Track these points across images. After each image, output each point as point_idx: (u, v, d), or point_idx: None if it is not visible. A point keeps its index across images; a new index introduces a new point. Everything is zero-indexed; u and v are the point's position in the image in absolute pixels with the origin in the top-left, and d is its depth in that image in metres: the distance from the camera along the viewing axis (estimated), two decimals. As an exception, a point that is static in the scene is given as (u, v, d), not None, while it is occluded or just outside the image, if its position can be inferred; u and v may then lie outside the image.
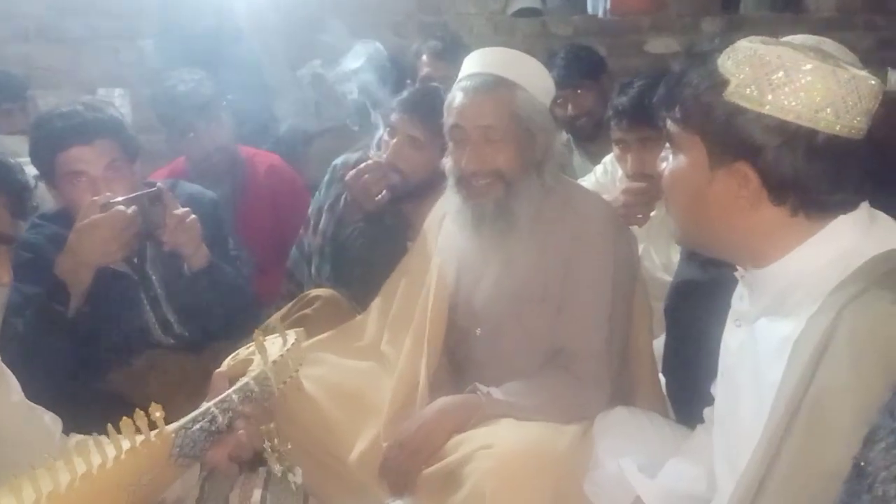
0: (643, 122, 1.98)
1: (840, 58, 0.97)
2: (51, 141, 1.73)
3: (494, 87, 1.59)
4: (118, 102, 3.36)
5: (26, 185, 1.37)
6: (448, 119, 1.63)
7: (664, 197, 1.08)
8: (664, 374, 1.70)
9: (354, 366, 1.79)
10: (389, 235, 1.95)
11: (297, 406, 1.62)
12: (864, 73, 0.96)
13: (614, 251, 1.61)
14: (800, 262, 0.96)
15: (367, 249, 1.95)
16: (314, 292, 1.96)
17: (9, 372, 1.37)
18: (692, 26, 3.80)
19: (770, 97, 0.92)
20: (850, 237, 0.95)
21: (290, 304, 1.97)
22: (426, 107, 1.92)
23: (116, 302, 1.77)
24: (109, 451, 1.13)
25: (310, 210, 2.23)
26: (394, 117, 1.98)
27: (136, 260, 1.85)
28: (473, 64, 1.65)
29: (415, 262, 1.83)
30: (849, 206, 0.96)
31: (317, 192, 2.25)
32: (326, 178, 2.22)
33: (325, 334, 1.83)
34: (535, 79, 1.63)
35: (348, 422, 1.68)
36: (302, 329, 1.52)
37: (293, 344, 1.42)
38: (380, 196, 1.94)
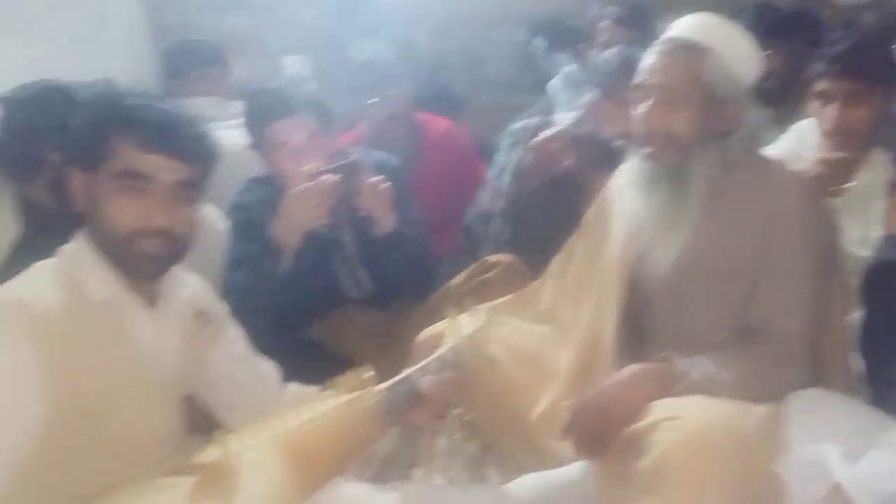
0: (856, 72, 1.85)
1: None
2: (260, 114, 1.89)
3: (682, 49, 1.57)
4: (298, 69, 3.58)
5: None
6: (635, 79, 1.63)
7: None
8: (858, 355, 1.62)
9: (532, 329, 1.85)
10: (570, 201, 1.97)
11: (479, 367, 1.70)
12: None
13: (816, 229, 1.55)
14: None
15: (547, 214, 1.99)
16: (494, 258, 2.05)
17: (233, 323, 1.54)
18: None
19: None
20: None
21: (471, 269, 2.07)
22: None
23: (316, 261, 1.92)
24: (328, 404, 1.27)
25: (491, 172, 2.27)
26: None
27: (331, 223, 1.99)
28: (672, 28, 1.65)
29: (594, 226, 1.84)
30: None
31: (496, 155, 2.29)
32: (507, 142, 2.26)
33: (504, 298, 1.90)
34: (734, 48, 1.58)
35: (528, 382, 1.74)
36: (492, 306, 1.59)
37: (485, 321, 1.51)
38: (565, 162, 1.96)
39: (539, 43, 3.07)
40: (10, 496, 1.12)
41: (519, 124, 2.26)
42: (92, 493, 1.21)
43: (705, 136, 1.57)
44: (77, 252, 1.27)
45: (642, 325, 1.74)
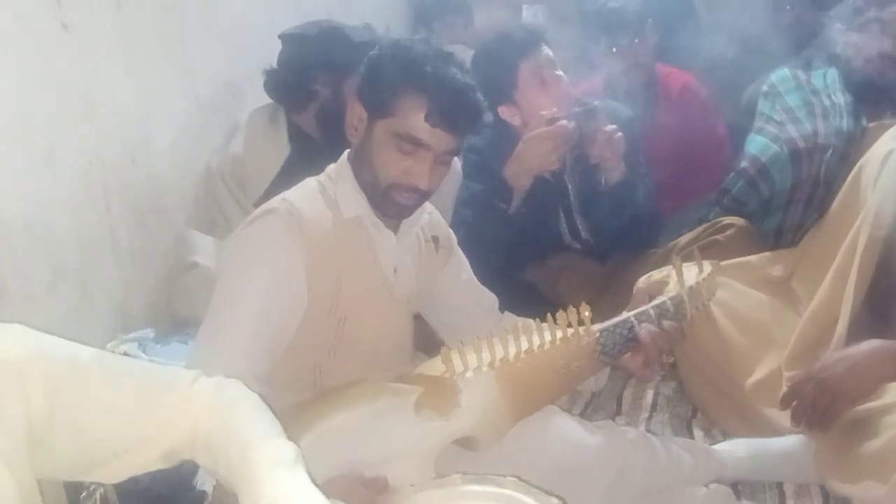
0: None
1: None
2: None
3: None
4: (535, 18, 3.61)
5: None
6: None
7: None
8: None
9: (758, 297, 1.78)
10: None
11: (697, 325, 1.67)
12: None
13: None
14: None
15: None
16: (727, 220, 1.98)
17: (461, 252, 1.64)
18: None
19: None
20: None
21: (700, 228, 2.01)
22: None
23: (540, 206, 1.96)
24: (546, 336, 1.32)
25: (775, 116, 2.10)
26: None
27: (559, 169, 2.02)
28: None
29: (844, 198, 1.72)
30: None
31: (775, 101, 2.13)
32: (791, 84, 2.07)
33: (734, 260, 1.83)
34: None
35: (747, 348, 1.69)
36: (717, 261, 1.55)
37: (709, 274, 1.47)
38: None
39: None
40: (268, 385, 1.24)
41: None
42: (331, 388, 1.36)
43: None
44: (338, 172, 1.42)
45: (887, 306, 1.60)
